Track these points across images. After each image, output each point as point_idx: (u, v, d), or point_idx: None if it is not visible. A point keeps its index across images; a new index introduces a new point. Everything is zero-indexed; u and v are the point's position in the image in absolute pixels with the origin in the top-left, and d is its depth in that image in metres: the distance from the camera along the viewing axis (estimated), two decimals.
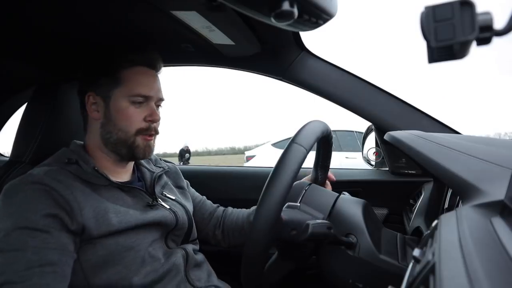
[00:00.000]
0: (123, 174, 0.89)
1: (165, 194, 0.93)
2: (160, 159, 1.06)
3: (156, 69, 0.90)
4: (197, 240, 0.99)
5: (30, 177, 0.73)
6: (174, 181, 1.03)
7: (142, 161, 0.96)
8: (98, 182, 0.79)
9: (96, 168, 0.79)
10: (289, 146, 0.67)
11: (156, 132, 0.87)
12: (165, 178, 0.99)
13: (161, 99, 0.88)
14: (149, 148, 0.86)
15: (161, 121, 0.88)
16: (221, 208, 1.13)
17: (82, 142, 0.89)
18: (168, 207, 0.88)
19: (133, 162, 0.93)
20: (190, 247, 0.90)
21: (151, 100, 0.85)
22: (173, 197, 0.94)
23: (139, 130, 0.83)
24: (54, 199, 0.70)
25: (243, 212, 1.08)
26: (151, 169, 0.96)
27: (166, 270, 0.80)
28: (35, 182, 0.71)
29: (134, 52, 0.86)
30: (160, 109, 0.89)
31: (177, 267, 0.82)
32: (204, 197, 1.13)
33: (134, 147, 0.84)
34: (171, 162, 1.11)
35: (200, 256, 0.93)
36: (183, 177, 1.08)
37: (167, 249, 0.85)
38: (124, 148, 0.84)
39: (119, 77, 0.83)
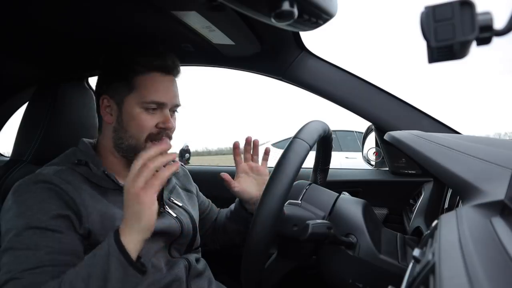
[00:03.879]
0: None
1: (172, 200, 0.91)
2: None
3: (173, 74, 0.85)
4: (199, 248, 0.98)
5: (39, 176, 0.73)
6: (183, 183, 1.02)
7: None
8: (106, 186, 0.78)
9: (106, 172, 0.79)
10: (292, 141, 0.68)
11: (169, 138, 0.84)
12: (173, 181, 0.98)
13: (177, 105, 0.85)
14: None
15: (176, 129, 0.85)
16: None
17: (91, 141, 0.88)
18: (174, 215, 0.87)
19: None
20: (193, 257, 0.89)
21: (165, 107, 0.81)
22: (180, 204, 0.92)
23: (149, 135, 0.81)
24: (64, 200, 0.70)
25: (224, 211, 1.09)
26: None
27: (168, 282, 0.79)
28: (44, 181, 0.71)
29: (149, 57, 0.81)
30: (176, 114, 0.86)
31: (180, 279, 0.82)
32: (210, 201, 1.13)
33: None
34: (181, 164, 1.10)
35: (201, 264, 0.92)
36: (192, 181, 1.07)
37: (170, 258, 0.84)
38: (135, 155, 0.83)
39: (132, 83, 0.80)
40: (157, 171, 0.63)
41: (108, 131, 0.84)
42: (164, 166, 0.64)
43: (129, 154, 0.82)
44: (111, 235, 0.63)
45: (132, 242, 0.62)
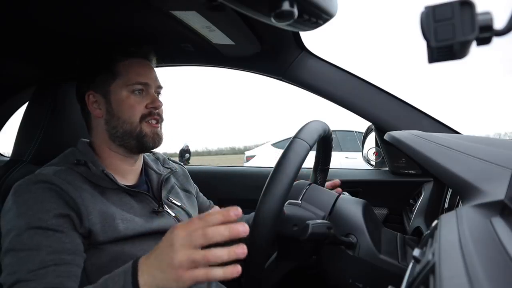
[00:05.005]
0: (131, 175, 0.89)
1: (171, 200, 0.91)
2: (168, 158, 1.05)
3: (150, 60, 0.90)
4: None
5: (39, 177, 0.73)
6: (181, 184, 1.02)
7: (150, 162, 0.96)
8: (106, 185, 0.78)
9: (105, 171, 0.79)
10: (292, 141, 0.67)
11: (161, 118, 0.87)
12: (172, 180, 0.98)
13: (160, 87, 0.89)
14: (158, 136, 0.86)
15: (164, 108, 0.88)
16: None
17: (88, 140, 0.88)
18: (173, 214, 0.87)
19: (142, 162, 0.92)
20: None
21: (150, 88, 0.85)
22: (179, 204, 0.93)
23: (142, 116, 0.83)
24: (65, 200, 0.70)
25: (240, 217, 1.08)
26: (158, 171, 0.94)
27: None
28: (44, 181, 0.71)
29: (126, 45, 0.87)
30: (160, 97, 0.89)
31: None
32: (212, 202, 1.13)
33: (141, 136, 0.83)
34: (180, 164, 1.10)
35: None
36: (192, 181, 1.07)
37: None
38: (133, 139, 0.83)
39: (115, 70, 0.84)
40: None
41: (100, 125, 0.85)
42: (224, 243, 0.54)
43: (126, 140, 0.83)
44: (128, 272, 0.57)
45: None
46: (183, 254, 0.53)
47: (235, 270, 0.52)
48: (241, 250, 0.52)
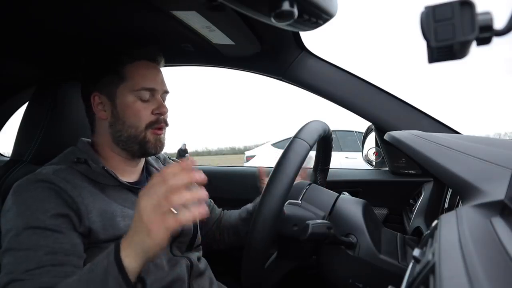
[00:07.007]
0: (132, 174, 0.89)
1: None
2: (168, 157, 1.06)
3: (158, 63, 0.89)
4: (200, 246, 0.98)
5: (39, 176, 0.73)
6: None
7: (151, 160, 0.96)
8: (106, 182, 0.78)
9: (105, 168, 0.79)
10: (292, 141, 0.68)
11: (166, 124, 0.87)
12: None
13: (166, 92, 0.88)
14: (160, 142, 0.86)
15: (169, 113, 0.88)
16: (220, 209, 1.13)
17: (89, 140, 0.88)
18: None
19: (143, 161, 0.93)
20: (194, 256, 0.89)
21: (157, 93, 0.85)
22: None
23: (148, 124, 0.83)
24: (64, 199, 0.70)
25: (235, 212, 1.09)
26: (159, 169, 0.95)
27: (171, 280, 0.79)
28: (44, 180, 0.71)
29: (135, 48, 0.86)
30: (166, 102, 0.88)
31: (182, 278, 0.82)
32: (213, 201, 1.13)
33: (145, 142, 0.83)
34: None
35: (203, 264, 0.92)
36: None
37: (172, 256, 0.84)
38: (136, 144, 0.83)
39: (122, 73, 0.83)
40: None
41: (103, 127, 0.85)
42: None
43: (129, 144, 0.83)
44: (111, 251, 0.58)
45: (135, 261, 0.57)
46: (147, 204, 0.56)
47: (202, 210, 0.55)
48: (203, 190, 0.56)
